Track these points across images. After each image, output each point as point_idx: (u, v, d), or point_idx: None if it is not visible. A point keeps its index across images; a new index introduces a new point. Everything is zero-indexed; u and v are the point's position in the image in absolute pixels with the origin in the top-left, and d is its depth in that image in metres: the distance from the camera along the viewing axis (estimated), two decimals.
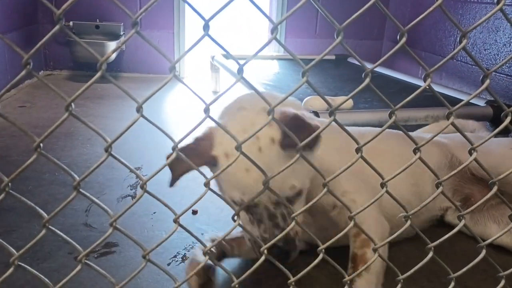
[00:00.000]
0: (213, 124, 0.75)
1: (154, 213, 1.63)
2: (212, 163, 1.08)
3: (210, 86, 3.63)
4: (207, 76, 3.70)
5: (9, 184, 0.63)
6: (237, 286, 0.82)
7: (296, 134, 0.74)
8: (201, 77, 3.96)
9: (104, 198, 1.74)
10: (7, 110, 2.74)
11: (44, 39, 0.58)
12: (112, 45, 3.49)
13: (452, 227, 1.50)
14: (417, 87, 0.69)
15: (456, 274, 0.89)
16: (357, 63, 3.61)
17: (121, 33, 3.71)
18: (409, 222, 0.81)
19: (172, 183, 1.09)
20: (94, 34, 3.66)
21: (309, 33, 4.16)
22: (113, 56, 3.53)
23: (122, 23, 3.73)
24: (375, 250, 0.88)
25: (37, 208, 0.67)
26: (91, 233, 1.49)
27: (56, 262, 1.32)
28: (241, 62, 0.65)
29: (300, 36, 4.15)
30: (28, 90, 3.25)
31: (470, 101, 1.84)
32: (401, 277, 0.90)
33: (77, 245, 0.72)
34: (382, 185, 0.78)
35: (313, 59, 0.66)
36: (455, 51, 0.69)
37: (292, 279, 0.81)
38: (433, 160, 1.53)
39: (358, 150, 0.73)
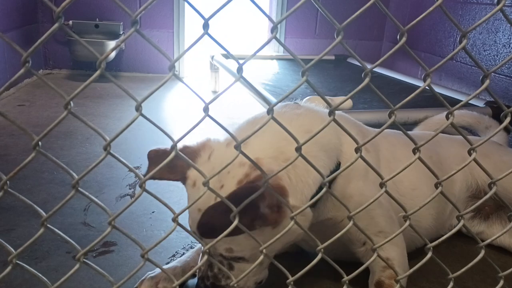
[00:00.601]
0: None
1: (153, 212, 1.63)
2: (182, 180, 1.05)
3: (209, 86, 3.63)
4: (206, 76, 3.70)
5: (8, 182, 0.63)
6: (235, 285, 0.82)
7: (243, 211, 0.70)
8: (200, 77, 3.97)
9: (102, 197, 1.73)
10: (6, 109, 2.73)
11: (43, 37, 0.58)
12: (111, 44, 3.49)
13: (463, 235, 1.51)
14: (417, 87, 0.69)
15: (455, 275, 0.89)
16: (356, 63, 3.61)
17: (121, 32, 3.71)
18: (408, 222, 0.81)
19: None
20: (93, 33, 3.66)
21: (308, 33, 4.16)
22: (113, 55, 3.52)
23: (122, 22, 3.73)
24: (397, 281, 0.92)
25: (36, 206, 0.66)
26: (89, 232, 1.49)
27: (55, 261, 1.32)
28: (241, 61, 0.65)
29: (300, 36, 4.15)
30: (27, 89, 3.24)
31: (470, 102, 1.83)
32: (400, 277, 0.90)
33: (75, 244, 0.71)
34: (381, 185, 0.78)
35: (313, 59, 0.66)
36: (455, 50, 0.69)
37: (291, 278, 0.81)
38: (457, 184, 1.49)
39: (357, 150, 0.73)
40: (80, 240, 1.44)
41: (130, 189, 1.82)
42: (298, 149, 0.70)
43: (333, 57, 3.74)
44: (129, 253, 1.38)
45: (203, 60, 3.85)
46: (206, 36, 0.63)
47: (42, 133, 0.61)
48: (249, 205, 0.72)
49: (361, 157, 0.73)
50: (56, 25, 0.57)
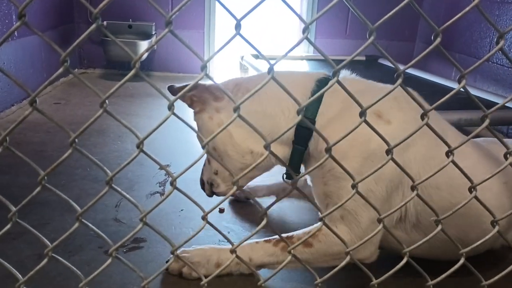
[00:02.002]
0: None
1: (182, 210, 1.65)
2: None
3: None
4: (235, 76, 3.72)
5: (45, 178, 0.66)
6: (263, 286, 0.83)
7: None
8: (230, 77, 3.99)
9: (133, 194, 1.77)
10: (43, 107, 2.79)
11: (82, 36, 0.60)
12: (144, 44, 3.56)
13: None
14: (451, 89, 0.67)
15: (488, 282, 0.87)
16: (388, 64, 3.56)
17: (153, 32, 3.78)
18: (439, 227, 0.79)
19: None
20: (126, 34, 3.74)
21: (339, 33, 4.12)
22: (145, 55, 3.59)
23: (154, 23, 3.79)
24: (347, 253, 0.83)
25: (71, 201, 0.69)
26: (120, 228, 1.52)
27: (87, 256, 1.35)
28: (273, 62, 0.65)
29: (331, 36, 4.12)
30: (63, 87, 3.34)
31: (507, 105, 1.77)
32: (430, 282, 0.89)
33: (108, 239, 0.73)
34: (413, 188, 0.76)
35: (344, 60, 0.65)
36: (492, 52, 0.67)
37: (318, 280, 0.81)
38: None
39: (391, 150, 0.72)
40: (111, 235, 1.47)
41: (160, 186, 1.86)
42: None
43: (364, 58, 3.69)
44: (158, 250, 1.40)
45: (232, 60, 3.87)
46: (236, 37, 0.63)
47: (79, 131, 0.63)
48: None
49: (391, 156, 0.72)
50: (93, 25, 0.58)
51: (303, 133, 1.24)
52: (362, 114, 0.66)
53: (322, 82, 1.28)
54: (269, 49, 4.05)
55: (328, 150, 0.69)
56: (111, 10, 3.67)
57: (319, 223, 0.87)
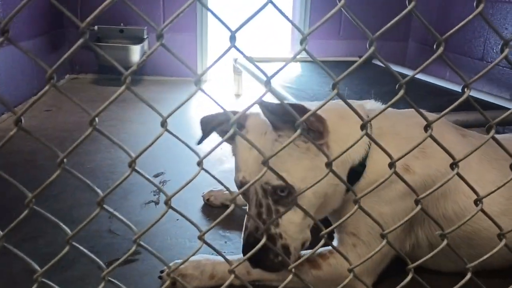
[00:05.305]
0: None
1: (177, 220, 1.62)
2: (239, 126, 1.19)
3: (232, 89, 3.62)
4: (229, 79, 3.69)
5: (33, 200, 0.62)
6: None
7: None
8: (223, 80, 3.96)
9: (127, 204, 1.74)
10: (34, 114, 2.77)
11: (70, 51, 0.57)
12: (136, 48, 3.52)
13: None
14: (445, 90, 0.66)
15: None
16: (381, 65, 3.54)
17: (145, 36, 3.74)
18: (445, 242, 0.77)
19: (200, 141, 1.22)
20: (118, 38, 3.70)
21: (332, 34, 4.10)
22: (137, 59, 3.56)
23: (146, 27, 3.76)
24: (350, 271, 0.82)
25: (62, 224, 0.66)
26: (114, 240, 1.49)
27: (80, 270, 1.32)
28: (264, 65, 0.63)
29: (323, 37, 4.10)
30: (54, 94, 3.26)
31: (502, 105, 1.74)
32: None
33: (100, 262, 0.70)
34: (417, 202, 0.74)
35: (337, 62, 0.63)
36: (498, 60, 0.65)
37: None
38: None
39: (391, 165, 0.70)
40: (105, 248, 1.45)
41: (154, 195, 1.82)
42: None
43: (357, 59, 3.67)
44: (154, 262, 1.37)
45: (226, 62, 3.84)
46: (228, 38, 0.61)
47: (67, 151, 0.60)
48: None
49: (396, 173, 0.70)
50: (80, 40, 0.56)
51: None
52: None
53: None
54: (260, 48, 4.00)
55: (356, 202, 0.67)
56: (102, 14, 3.58)
57: (329, 247, 0.85)
